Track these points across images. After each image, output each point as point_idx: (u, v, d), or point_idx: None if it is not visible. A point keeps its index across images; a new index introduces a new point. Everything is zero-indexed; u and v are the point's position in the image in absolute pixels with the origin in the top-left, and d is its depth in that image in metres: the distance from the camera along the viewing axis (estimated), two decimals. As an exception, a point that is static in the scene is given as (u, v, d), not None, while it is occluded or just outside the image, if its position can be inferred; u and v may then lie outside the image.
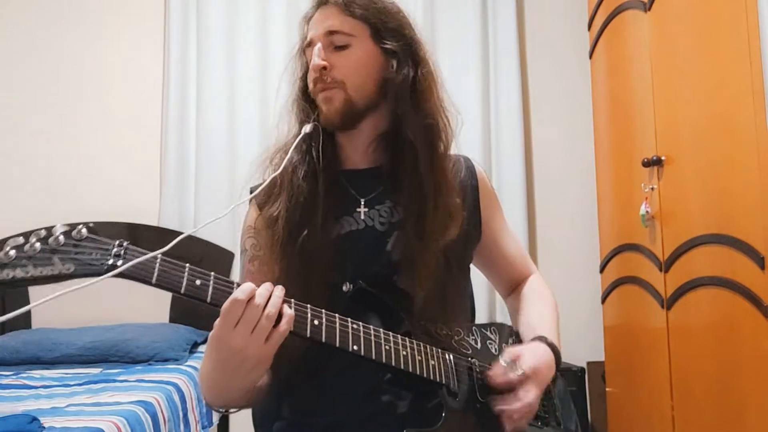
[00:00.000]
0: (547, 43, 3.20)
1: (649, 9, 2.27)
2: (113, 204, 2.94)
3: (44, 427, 1.49)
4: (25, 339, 2.49)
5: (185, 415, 2.04)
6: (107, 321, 2.59)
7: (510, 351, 1.02)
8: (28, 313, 2.85)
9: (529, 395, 0.97)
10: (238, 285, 0.84)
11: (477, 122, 3.02)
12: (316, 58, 1.04)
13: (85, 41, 3.07)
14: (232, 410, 0.98)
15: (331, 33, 1.05)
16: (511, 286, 1.26)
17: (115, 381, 2.09)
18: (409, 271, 1.00)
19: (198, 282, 0.82)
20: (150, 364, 2.36)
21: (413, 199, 1.04)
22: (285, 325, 0.84)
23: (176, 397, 2.01)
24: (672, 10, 2.15)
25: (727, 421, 1.85)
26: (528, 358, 1.00)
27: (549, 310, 1.17)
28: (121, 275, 0.78)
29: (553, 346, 1.06)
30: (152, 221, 2.93)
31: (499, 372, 0.99)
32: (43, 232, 0.76)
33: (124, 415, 1.65)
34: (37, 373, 2.27)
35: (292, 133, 1.10)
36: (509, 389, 0.98)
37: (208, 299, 0.82)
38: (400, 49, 1.07)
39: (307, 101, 1.10)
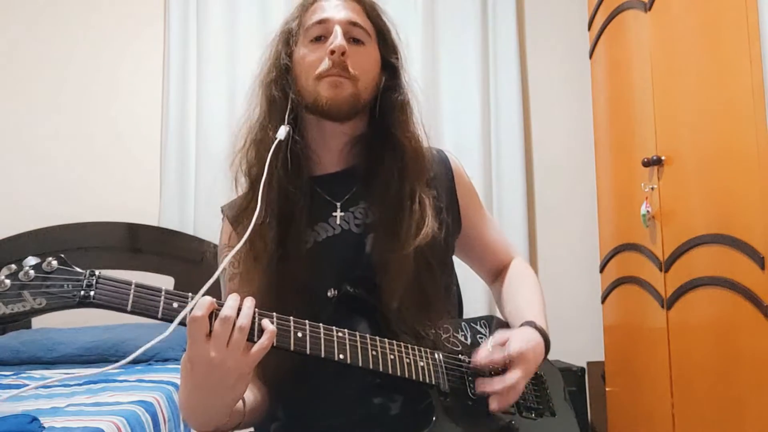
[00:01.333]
0: (547, 43, 3.20)
1: (649, 9, 2.27)
2: (113, 204, 2.94)
3: (44, 427, 1.49)
4: (25, 339, 2.49)
5: (185, 415, 2.04)
6: (107, 321, 2.59)
7: (498, 335, 1.02)
8: (28, 313, 2.84)
9: (512, 377, 0.97)
10: (219, 303, 0.83)
11: (477, 122, 3.02)
12: (340, 39, 1.02)
13: (85, 41, 3.07)
14: None
15: (353, 24, 1.05)
16: (495, 273, 1.26)
17: (115, 381, 2.09)
18: (388, 273, 0.99)
19: (175, 305, 0.81)
20: (150, 364, 2.36)
21: (390, 201, 1.03)
22: (266, 341, 0.82)
23: (176, 397, 2.00)
24: (672, 10, 2.15)
25: (728, 420, 1.85)
26: (515, 342, 1.00)
27: (535, 295, 1.17)
28: (94, 305, 0.78)
29: (542, 330, 1.06)
30: (152, 221, 2.93)
31: (483, 354, 0.99)
32: (13, 267, 0.75)
33: (124, 415, 1.64)
34: (37, 373, 2.27)
35: (258, 114, 1.08)
36: (496, 372, 0.98)
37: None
38: (398, 66, 1.10)
39: (283, 83, 1.07)
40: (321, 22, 1.05)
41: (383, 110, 1.08)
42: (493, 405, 0.97)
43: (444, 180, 1.14)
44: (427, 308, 1.02)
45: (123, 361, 0.80)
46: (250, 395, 0.99)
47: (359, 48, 1.05)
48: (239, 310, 0.82)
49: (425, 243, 1.02)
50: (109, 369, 0.81)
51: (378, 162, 1.06)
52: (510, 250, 1.26)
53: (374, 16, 1.09)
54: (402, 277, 0.99)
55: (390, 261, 1.00)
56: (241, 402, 0.94)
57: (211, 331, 0.80)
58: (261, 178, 0.99)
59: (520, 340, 1.01)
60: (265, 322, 0.84)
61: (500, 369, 0.99)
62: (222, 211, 1.14)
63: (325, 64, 1.02)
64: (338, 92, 1.02)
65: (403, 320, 0.99)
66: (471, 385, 1.01)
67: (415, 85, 1.13)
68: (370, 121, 1.10)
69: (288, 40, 1.08)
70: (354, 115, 1.06)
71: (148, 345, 0.81)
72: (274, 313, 0.87)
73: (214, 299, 0.82)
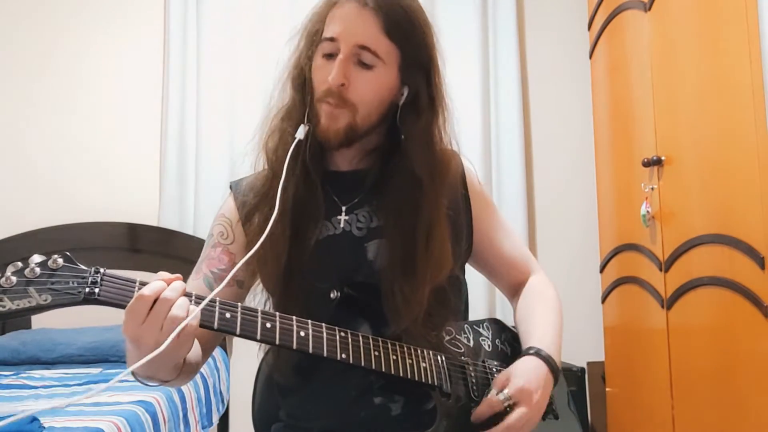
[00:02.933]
0: (547, 43, 3.20)
1: (649, 9, 2.27)
2: (113, 204, 2.94)
3: (44, 427, 1.49)
4: (25, 339, 2.49)
5: (185, 415, 2.04)
6: (107, 321, 2.59)
7: (499, 378, 1.00)
8: (28, 313, 2.84)
9: (514, 417, 0.95)
10: (221, 302, 0.84)
11: (477, 122, 3.02)
12: (337, 72, 0.98)
13: (85, 41, 3.07)
14: (166, 384, 0.93)
15: (362, 47, 0.98)
16: (515, 287, 1.21)
17: (115, 381, 2.09)
18: (395, 284, 0.98)
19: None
20: (150, 364, 2.36)
21: (404, 235, 1.01)
22: (194, 321, 0.80)
23: (176, 397, 2.00)
24: (672, 10, 2.15)
25: (727, 420, 1.85)
26: (516, 379, 0.98)
27: (548, 317, 1.12)
28: (99, 302, 0.78)
29: (547, 358, 1.02)
30: (152, 221, 2.93)
31: (484, 408, 0.96)
32: (19, 264, 0.76)
33: (124, 415, 1.64)
34: (37, 373, 2.27)
35: (283, 107, 1.07)
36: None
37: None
38: (421, 87, 1.03)
39: (301, 84, 1.05)
40: (332, 40, 1.00)
41: (402, 128, 1.03)
42: None
43: (456, 186, 1.12)
44: (433, 313, 1.01)
45: (108, 384, 0.78)
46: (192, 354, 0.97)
47: (365, 73, 0.99)
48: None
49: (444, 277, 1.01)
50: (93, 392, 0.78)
51: (389, 176, 1.04)
52: (529, 264, 1.21)
53: (393, 34, 0.98)
54: (414, 309, 0.97)
55: (404, 295, 0.98)
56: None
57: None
58: (280, 179, 0.98)
59: (521, 376, 0.98)
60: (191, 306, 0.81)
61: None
62: (230, 186, 1.14)
63: (325, 87, 0.99)
64: (332, 124, 1.00)
65: (407, 323, 0.99)
66: (474, 386, 1.01)
67: (450, 93, 1.07)
68: (389, 129, 1.06)
69: (312, 41, 1.05)
70: (354, 142, 1.04)
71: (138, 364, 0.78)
72: (277, 313, 0.88)
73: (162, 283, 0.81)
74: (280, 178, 0.98)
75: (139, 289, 0.80)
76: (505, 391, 0.96)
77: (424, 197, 1.02)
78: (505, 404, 0.96)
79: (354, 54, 0.99)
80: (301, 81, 1.05)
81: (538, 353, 1.02)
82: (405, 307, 0.97)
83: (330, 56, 1.01)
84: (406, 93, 1.03)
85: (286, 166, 0.99)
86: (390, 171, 1.04)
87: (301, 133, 1.01)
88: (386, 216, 1.04)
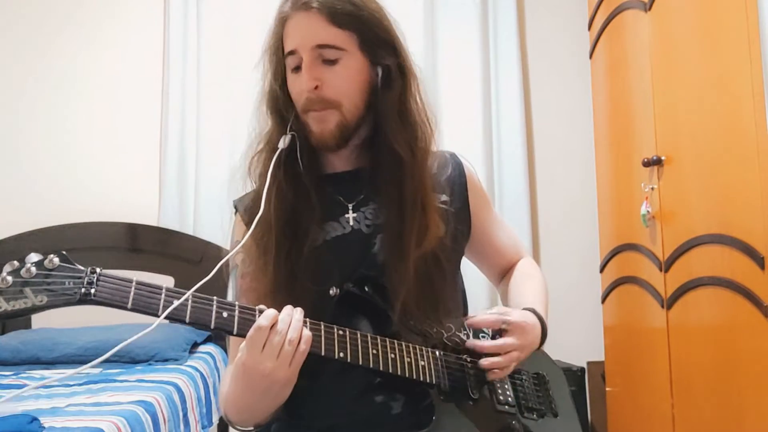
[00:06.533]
0: (547, 43, 3.20)
1: (649, 9, 2.27)
2: (113, 204, 2.94)
3: (44, 427, 1.49)
4: (25, 339, 2.49)
5: (185, 415, 2.04)
6: (107, 321, 2.59)
7: (499, 307, 1.06)
8: (28, 313, 2.84)
9: (505, 341, 1.00)
10: (218, 301, 0.85)
11: (477, 122, 3.02)
12: (307, 77, 1.00)
13: (85, 41, 3.07)
14: (259, 427, 0.99)
15: (319, 47, 1.00)
16: (502, 273, 1.27)
17: (115, 381, 2.09)
18: (395, 273, 1.00)
19: (175, 302, 0.83)
20: (150, 364, 2.36)
21: (393, 206, 1.04)
22: (304, 345, 0.86)
23: (176, 397, 2.00)
24: (672, 10, 2.15)
25: (727, 420, 1.85)
26: (514, 314, 1.03)
27: (538, 291, 1.18)
28: (95, 302, 0.79)
29: (541, 318, 1.07)
30: (152, 221, 2.93)
31: (480, 315, 1.02)
32: (16, 263, 0.76)
33: (124, 415, 1.64)
34: (37, 373, 2.27)
35: (265, 132, 1.09)
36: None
37: (187, 319, 0.83)
38: (389, 61, 1.04)
39: (278, 103, 1.07)
40: (292, 53, 1.02)
41: (379, 113, 1.05)
42: (485, 362, 0.99)
43: (457, 184, 1.15)
44: (435, 307, 1.03)
45: (101, 358, 0.81)
46: None
47: (333, 69, 1.01)
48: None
49: (435, 243, 1.03)
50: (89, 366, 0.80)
51: (380, 166, 1.06)
52: (519, 250, 1.27)
53: (343, 22, 1.01)
54: (405, 282, 0.99)
55: (394, 265, 1.01)
56: None
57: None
58: (266, 185, 1.01)
59: (519, 314, 1.04)
60: (305, 330, 0.86)
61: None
62: (234, 205, 1.15)
63: (303, 97, 1.02)
64: (324, 127, 1.02)
65: (409, 320, 1.00)
66: (472, 384, 1.01)
67: (418, 62, 1.09)
68: (376, 123, 1.07)
69: (276, 59, 1.08)
70: (347, 141, 1.05)
71: (130, 341, 0.81)
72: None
73: (276, 311, 0.86)
74: (267, 187, 1.00)
75: (136, 288, 0.81)
76: (506, 317, 1.01)
77: (407, 171, 1.04)
78: (502, 323, 1.01)
79: (316, 56, 1.01)
80: (276, 102, 1.08)
81: (533, 311, 1.07)
82: (399, 275, 0.99)
83: (297, 69, 1.03)
84: (380, 72, 1.04)
85: (270, 172, 1.01)
86: (379, 165, 1.06)
87: (282, 143, 1.03)
88: (386, 209, 1.06)
